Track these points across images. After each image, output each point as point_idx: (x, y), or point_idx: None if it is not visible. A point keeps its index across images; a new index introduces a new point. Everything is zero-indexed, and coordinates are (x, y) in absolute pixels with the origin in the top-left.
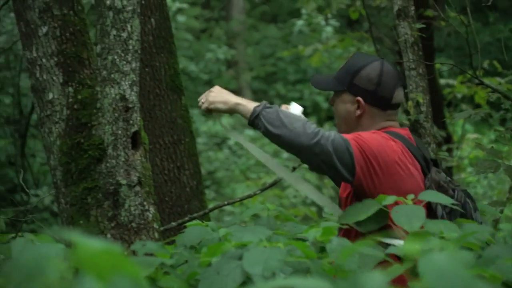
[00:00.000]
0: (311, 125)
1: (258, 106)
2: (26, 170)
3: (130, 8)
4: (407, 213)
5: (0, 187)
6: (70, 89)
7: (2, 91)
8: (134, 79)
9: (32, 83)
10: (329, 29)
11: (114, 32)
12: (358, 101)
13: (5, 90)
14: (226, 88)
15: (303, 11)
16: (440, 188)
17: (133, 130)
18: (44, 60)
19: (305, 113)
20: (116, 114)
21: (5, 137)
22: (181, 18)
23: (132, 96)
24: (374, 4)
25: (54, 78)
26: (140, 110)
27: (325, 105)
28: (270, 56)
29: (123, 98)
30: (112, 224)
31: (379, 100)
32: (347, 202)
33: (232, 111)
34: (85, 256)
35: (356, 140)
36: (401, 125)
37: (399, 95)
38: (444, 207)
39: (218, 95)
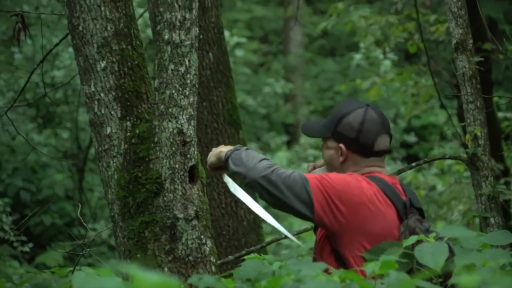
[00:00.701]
0: (266, 162)
1: (230, 150)
2: (84, 204)
3: (188, 42)
4: (431, 251)
5: (58, 221)
6: (128, 123)
7: (60, 125)
8: (192, 113)
9: (90, 118)
10: (387, 62)
11: (172, 66)
12: (340, 148)
13: (63, 125)
14: (283, 122)
15: (361, 44)
16: (413, 235)
17: (190, 164)
18: (102, 94)
19: None
20: (173, 148)
21: (63, 171)
22: (239, 52)
23: (190, 130)
24: (432, 38)
25: (112, 112)
26: (198, 144)
27: None
28: (327, 89)
29: (180, 132)
30: (169, 258)
31: (361, 147)
32: (319, 243)
33: (218, 159)
34: None
35: (319, 180)
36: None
37: (382, 142)
38: None
39: (213, 151)
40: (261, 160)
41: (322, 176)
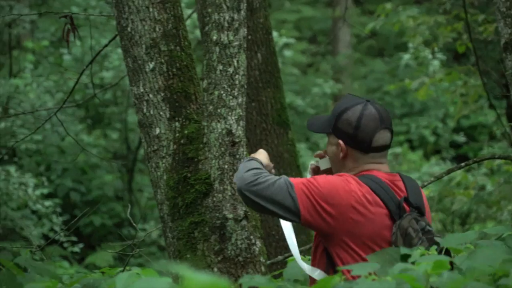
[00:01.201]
0: (254, 171)
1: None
2: (134, 205)
3: (236, 43)
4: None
5: (107, 222)
6: (177, 124)
7: (109, 126)
8: (241, 113)
9: (139, 118)
10: (436, 62)
11: (220, 67)
12: (339, 144)
13: (112, 126)
14: None
15: (410, 45)
16: (406, 236)
17: (239, 164)
18: (151, 95)
19: (411, 146)
20: (222, 149)
21: (112, 172)
22: (287, 53)
23: (239, 131)
24: (481, 38)
25: (161, 113)
26: (247, 144)
27: (431, 138)
28: (376, 90)
29: (229, 132)
30: (219, 258)
31: (359, 143)
32: (316, 239)
33: None
34: None
35: (306, 185)
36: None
37: (381, 138)
38: None
39: None
40: (249, 170)
41: (310, 180)
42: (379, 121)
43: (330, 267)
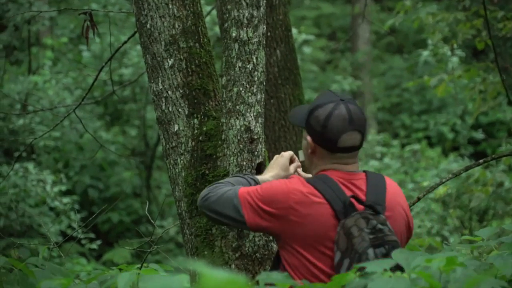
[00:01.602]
0: (211, 186)
1: None
2: (152, 202)
3: (255, 40)
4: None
5: (125, 218)
6: (196, 120)
7: (128, 123)
8: (259, 110)
9: (157, 115)
10: (454, 59)
11: (239, 64)
12: (307, 139)
13: (131, 122)
14: None
15: (429, 41)
16: (349, 234)
17: (258, 161)
18: (170, 92)
19: (430, 143)
20: (241, 146)
21: (130, 169)
22: (307, 50)
23: (257, 128)
24: (500, 34)
25: (180, 110)
26: (265, 141)
27: (450, 135)
28: (395, 87)
29: (248, 129)
30: (237, 255)
31: (325, 142)
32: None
33: None
34: (210, 287)
35: (250, 191)
36: None
37: (349, 139)
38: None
39: None
40: (209, 188)
41: (256, 188)
42: (348, 122)
43: (274, 268)
